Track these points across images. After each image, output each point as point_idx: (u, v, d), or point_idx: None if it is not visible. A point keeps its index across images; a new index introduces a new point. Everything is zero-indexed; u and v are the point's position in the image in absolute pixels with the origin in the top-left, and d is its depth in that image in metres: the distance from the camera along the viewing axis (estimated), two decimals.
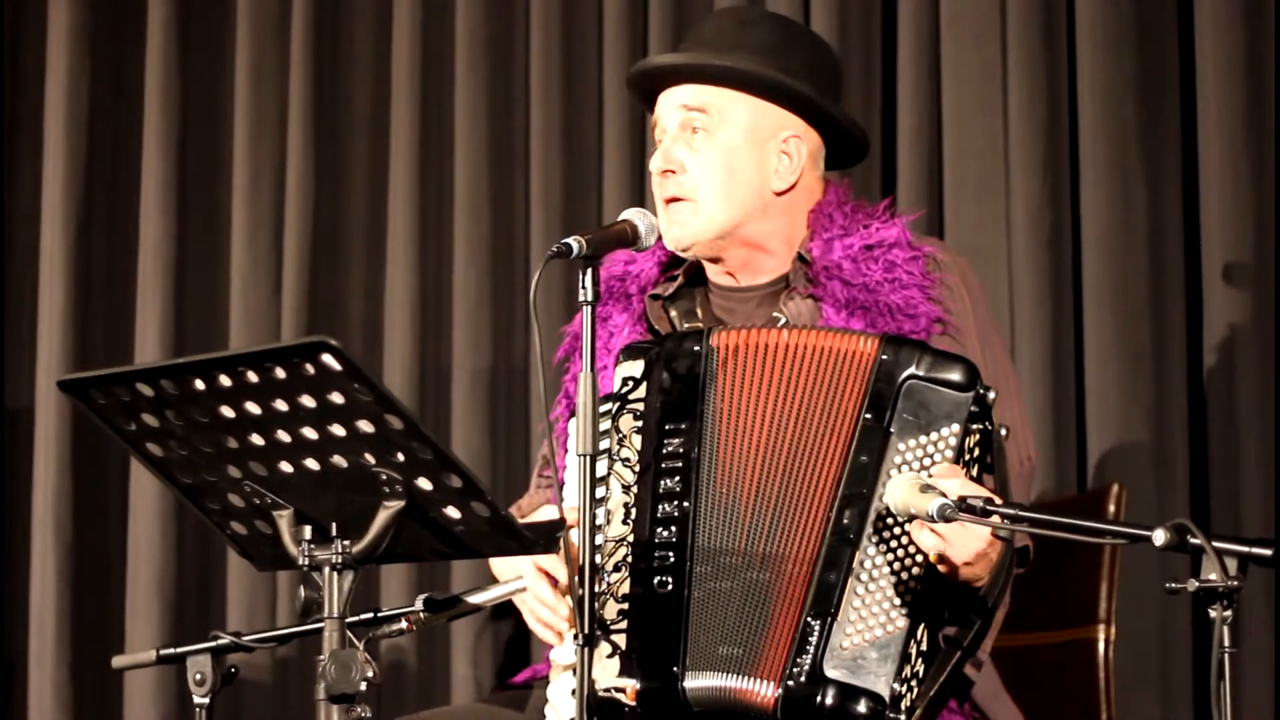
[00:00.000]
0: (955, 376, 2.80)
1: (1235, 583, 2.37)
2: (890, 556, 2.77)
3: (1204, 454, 3.88)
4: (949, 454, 2.77)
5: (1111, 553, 3.38)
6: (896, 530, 2.76)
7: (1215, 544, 2.38)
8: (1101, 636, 3.37)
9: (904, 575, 2.77)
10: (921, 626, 2.77)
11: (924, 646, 2.78)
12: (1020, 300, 3.99)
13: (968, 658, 2.84)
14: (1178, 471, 3.87)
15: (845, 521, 2.79)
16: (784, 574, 2.81)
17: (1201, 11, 3.90)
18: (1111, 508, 3.45)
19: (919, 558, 2.75)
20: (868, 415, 2.81)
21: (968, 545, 2.70)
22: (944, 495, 2.61)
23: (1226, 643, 2.36)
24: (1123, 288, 3.92)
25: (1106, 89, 3.95)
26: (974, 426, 2.80)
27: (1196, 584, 2.38)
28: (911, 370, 2.81)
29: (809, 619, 2.77)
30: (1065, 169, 4.01)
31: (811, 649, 2.76)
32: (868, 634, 2.76)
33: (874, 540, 2.78)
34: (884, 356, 2.83)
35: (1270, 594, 3.75)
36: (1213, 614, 2.37)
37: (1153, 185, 3.94)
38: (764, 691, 2.78)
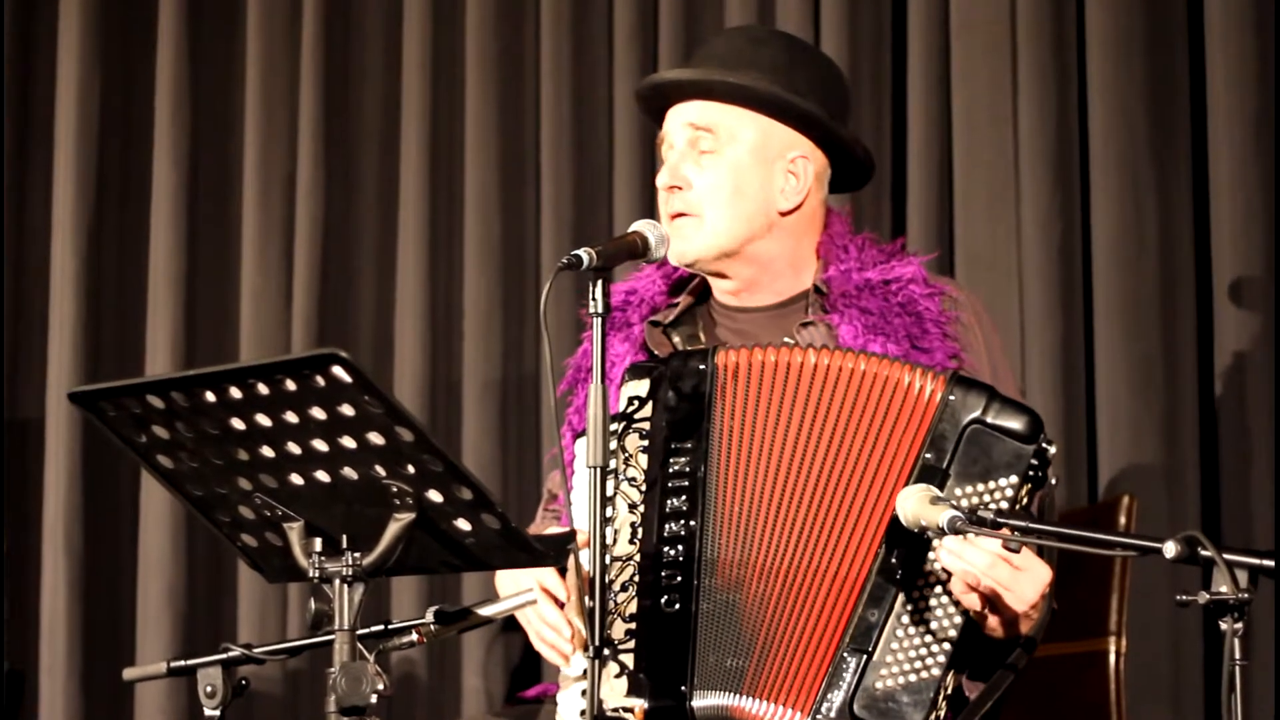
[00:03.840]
0: (1019, 426, 2.78)
1: (1246, 595, 2.36)
2: (934, 602, 2.76)
3: (1215, 465, 3.87)
4: (1004, 504, 2.76)
5: (1122, 564, 3.38)
6: (944, 575, 2.75)
7: (1226, 556, 2.38)
8: (1112, 648, 3.36)
9: (945, 622, 2.76)
10: (951, 674, 2.77)
11: (949, 692, 2.78)
12: (1030, 310, 3.99)
13: (998, 709, 2.84)
14: (1189, 483, 3.87)
15: (894, 561, 2.77)
16: (816, 601, 2.80)
17: (1211, 21, 3.89)
18: (1122, 519, 3.44)
19: (961, 606, 2.75)
20: (928, 455, 2.79)
21: (1022, 597, 2.72)
22: (955, 508, 2.61)
23: (1237, 655, 2.35)
24: (1133, 297, 3.91)
25: (1116, 98, 3.95)
26: (1030, 477, 2.79)
27: (1207, 596, 2.37)
28: (977, 415, 2.79)
29: (845, 654, 2.77)
30: (1075, 179, 4.01)
31: (844, 685, 2.76)
32: (902, 678, 2.75)
33: (920, 584, 2.77)
34: (951, 397, 2.81)
35: None
36: (1223, 626, 2.37)
37: (1163, 195, 3.94)
38: None
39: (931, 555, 2.74)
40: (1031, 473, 2.78)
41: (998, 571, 2.69)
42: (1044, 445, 2.78)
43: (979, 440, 2.78)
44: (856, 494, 2.81)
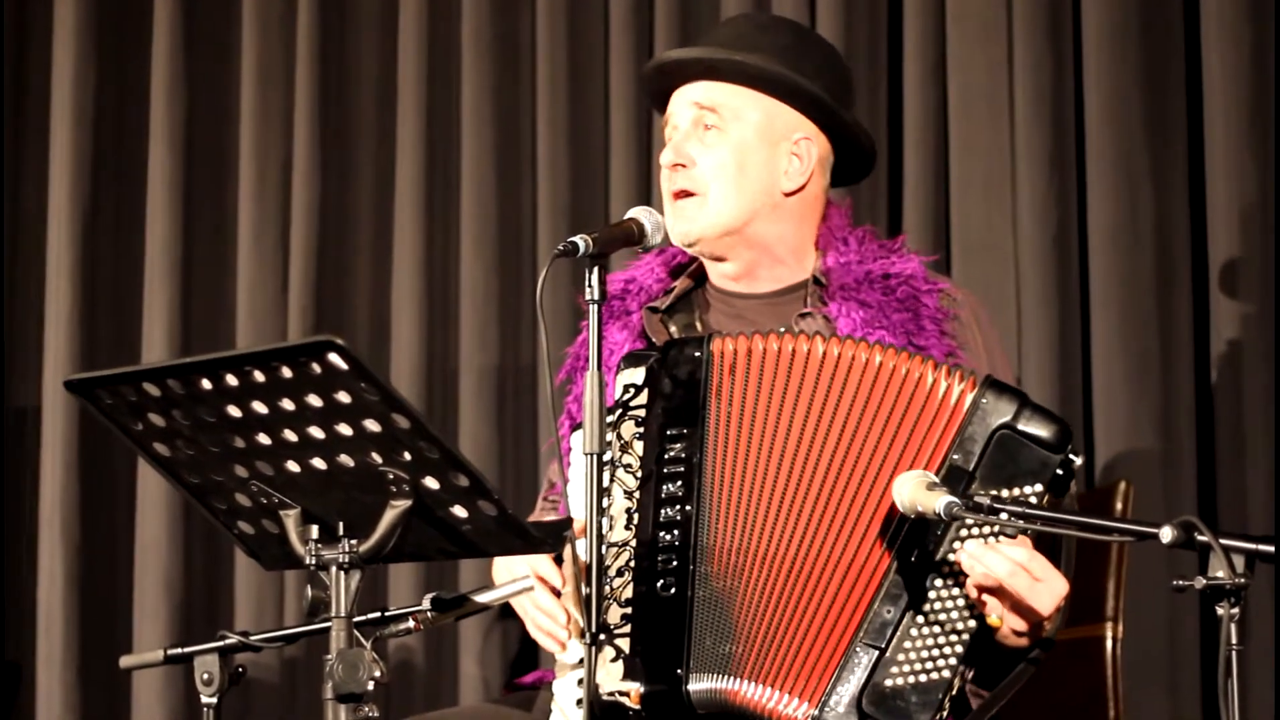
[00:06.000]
0: (1048, 435, 2.78)
1: (1242, 580, 2.37)
2: (951, 604, 2.76)
3: (1211, 451, 3.87)
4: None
5: (1119, 550, 3.37)
6: (962, 578, 2.75)
7: (1222, 541, 2.38)
8: (1109, 634, 3.36)
9: (960, 625, 2.76)
10: (959, 677, 2.77)
11: (954, 693, 2.78)
12: (1027, 298, 3.99)
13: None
14: (1185, 469, 3.87)
15: (913, 560, 2.77)
16: (827, 594, 2.79)
17: (1207, 8, 3.89)
18: (1119, 505, 3.44)
19: (976, 610, 2.75)
20: (955, 456, 2.78)
21: (1039, 607, 2.71)
22: (950, 493, 2.61)
23: (1234, 640, 2.35)
24: (1130, 284, 3.91)
25: (1112, 85, 3.95)
26: (1054, 486, 2.78)
27: (1204, 581, 2.38)
28: (1007, 420, 2.78)
29: (857, 649, 2.77)
30: (1071, 166, 4.01)
31: (854, 680, 2.76)
32: (912, 677, 2.75)
33: (938, 585, 2.76)
34: (983, 400, 2.80)
35: (1277, 591, 3.74)
36: (1220, 611, 2.37)
37: (1159, 182, 3.94)
38: (796, 712, 2.77)
39: (951, 557, 2.73)
40: (1056, 482, 2.78)
41: (1016, 581, 2.69)
42: (1070, 456, 2.78)
43: (1007, 445, 2.78)
44: (873, 489, 2.80)
